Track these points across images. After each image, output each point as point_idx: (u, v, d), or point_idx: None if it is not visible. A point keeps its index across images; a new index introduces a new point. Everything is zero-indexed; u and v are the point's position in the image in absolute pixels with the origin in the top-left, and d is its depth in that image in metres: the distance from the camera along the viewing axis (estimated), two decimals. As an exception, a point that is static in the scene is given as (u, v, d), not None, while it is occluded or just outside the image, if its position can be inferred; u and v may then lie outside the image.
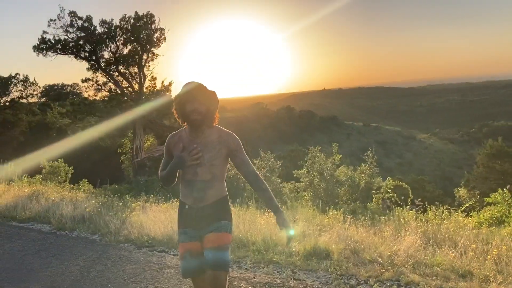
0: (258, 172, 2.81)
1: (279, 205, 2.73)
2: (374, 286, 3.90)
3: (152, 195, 8.80)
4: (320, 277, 4.19)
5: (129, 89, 25.52)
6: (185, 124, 2.75)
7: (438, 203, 7.21)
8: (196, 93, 2.66)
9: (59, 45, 23.99)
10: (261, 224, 5.70)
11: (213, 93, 2.71)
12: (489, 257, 4.29)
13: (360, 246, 4.92)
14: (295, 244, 4.95)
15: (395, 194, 8.88)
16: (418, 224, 5.60)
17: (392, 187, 10.06)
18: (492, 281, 3.84)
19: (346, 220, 5.95)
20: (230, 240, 2.76)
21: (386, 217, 6.26)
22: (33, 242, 5.70)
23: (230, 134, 2.75)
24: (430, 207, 6.93)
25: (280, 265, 4.48)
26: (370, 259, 4.49)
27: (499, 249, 4.56)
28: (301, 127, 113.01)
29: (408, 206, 6.94)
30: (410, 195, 8.16)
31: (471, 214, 9.01)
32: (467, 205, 8.20)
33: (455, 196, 25.75)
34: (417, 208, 7.57)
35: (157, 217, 6.24)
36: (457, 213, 6.60)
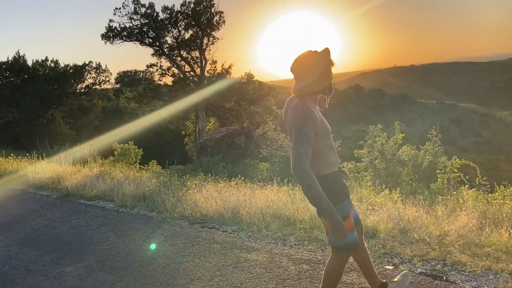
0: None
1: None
2: (417, 265, 3.80)
3: (210, 174, 9.06)
4: (363, 255, 4.13)
5: (191, 73, 26.22)
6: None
7: (507, 182, 6.82)
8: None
9: (124, 32, 25.14)
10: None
11: None
12: (549, 238, 4.01)
13: (410, 225, 4.79)
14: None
15: (462, 174, 8.50)
16: (478, 204, 5.33)
17: (458, 166, 9.57)
18: (548, 263, 3.60)
19: (398, 200, 5.78)
20: None
21: (443, 197, 6.01)
22: (96, 218, 6.12)
23: None
24: (498, 187, 6.56)
25: (324, 243, 4.48)
26: (418, 238, 4.36)
27: None
28: (370, 106, 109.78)
29: (467, 186, 6.60)
30: (478, 175, 7.77)
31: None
32: (541, 184, 7.64)
33: (535, 177, 24.03)
34: (483, 188, 7.19)
35: (211, 195, 6.44)
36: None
